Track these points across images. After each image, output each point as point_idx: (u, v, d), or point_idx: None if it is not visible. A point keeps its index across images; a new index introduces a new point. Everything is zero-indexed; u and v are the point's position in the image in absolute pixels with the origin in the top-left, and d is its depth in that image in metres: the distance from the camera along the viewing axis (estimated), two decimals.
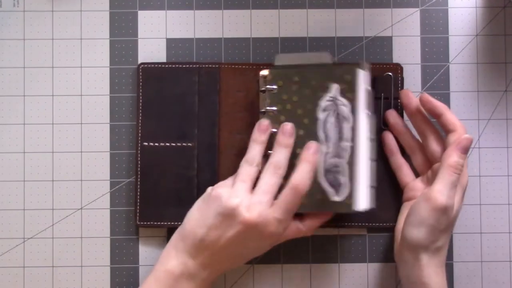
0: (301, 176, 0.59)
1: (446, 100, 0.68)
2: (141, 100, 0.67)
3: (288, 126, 0.62)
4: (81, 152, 0.67)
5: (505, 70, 0.69)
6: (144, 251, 0.67)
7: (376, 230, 0.67)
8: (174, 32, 0.68)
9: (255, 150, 0.62)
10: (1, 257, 0.67)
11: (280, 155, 0.61)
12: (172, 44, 0.68)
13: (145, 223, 0.66)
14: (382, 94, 0.67)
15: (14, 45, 0.68)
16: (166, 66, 0.67)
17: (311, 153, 0.60)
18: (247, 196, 0.59)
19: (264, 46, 0.68)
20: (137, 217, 0.66)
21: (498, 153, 0.68)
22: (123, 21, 0.68)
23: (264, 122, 0.62)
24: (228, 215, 0.58)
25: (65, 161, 0.67)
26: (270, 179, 0.60)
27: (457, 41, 0.69)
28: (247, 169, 0.61)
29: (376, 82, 0.66)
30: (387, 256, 0.67)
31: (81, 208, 0.67)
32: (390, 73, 0.67)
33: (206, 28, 0.68)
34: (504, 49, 0.69)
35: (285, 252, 0.67)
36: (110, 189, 0.67)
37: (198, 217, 0.60)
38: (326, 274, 0.67)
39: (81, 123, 0.68)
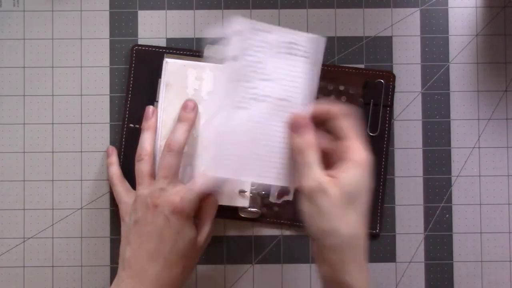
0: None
1: (446, 100, 0.68)
2: (131, 82, 0.67)
3: (190, 102, 0.63)
4: (81, 152, 0.67)
5: (505, 70, 0.69)
6: None
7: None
8: (174, 32, 0.68)
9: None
10: (1, 257, 0.67)
11: (176, 132, 0.61)
12: (172, 44, 0.68)
13: None
14: (372, 100, 0.67)
15: (14, 45, 0.68)
16: (160, 50, 0.67)
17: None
18: (149, 186, 0.60)
19: None
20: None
21: (498, 153, 0.68)
22: (123, 21, 0.68)
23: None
24: (134, 209, 0.60)
25: (65, 161, 0.67)
26: (164, 160, 0.60)
27: (457, 41, 0.69)
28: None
29: (367, 87, 0.67)
30: (386, 256, 0.67)
31: (81, 208, 0.67)
32: (382, 80, 0.67)
33: (206, 28, 0.68)
34: (504, 49, 0.69)
35: (285, 252, 0.67)
36: (110, 189, 0.67)
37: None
38: None
39: (81, 123, 0.68)
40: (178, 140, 0.61)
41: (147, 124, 0.63)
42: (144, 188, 0.60)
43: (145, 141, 0.63)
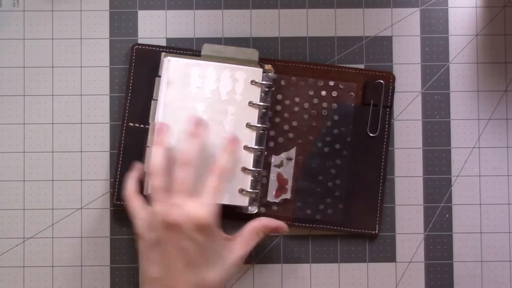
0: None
1: (446, 100, 0.68)
2: (131, 81, 0.67)
3: (196, 117, 0.63)
4: (81, 152, 0.68)
5: (505, 70, 0.69)
6: None
7: (359, 236, 0.67)
8: (174, 32, 0.68)
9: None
10: (1, 257, 0.67)
11: (188, 145, 0.61)
12: (172, 43, 0.68)
13: (122, 203, 0.65)
14: (372, 101, 0.67)
15: (14, 45, 0.68)
16: (160, 49, 0.67)
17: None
18: (165, 202, 0.59)
19: (264, 46, 0.68)
20: (115, 197, 0.66)
21: (498, 153, 0.68)
22: (123, 21, 0.68)
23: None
24: (151, 226, 0.59)
25: (65, 161, 0.67)
26: (178, 175, 0.60)
27: (457, 41, 0.69)
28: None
29: (366, 88, 0.67)
30: (387, 256, 0.67)
31: (81, 208, 0.67)
32: (381, 81, 0.67)
33: (206, 28, 0.68)
34: (504, 49, 0.69)
35: (285, 252, 0.67)
36: (110, 189, 0.67)
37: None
38: (326, 274, 0.67)
39: (81, 123, 0.68)
40: (190, 153, 0.60)
41: (159, 139, 0.62)
42: (161, 204, 0.59)
43: (157, 156, 0.61)
